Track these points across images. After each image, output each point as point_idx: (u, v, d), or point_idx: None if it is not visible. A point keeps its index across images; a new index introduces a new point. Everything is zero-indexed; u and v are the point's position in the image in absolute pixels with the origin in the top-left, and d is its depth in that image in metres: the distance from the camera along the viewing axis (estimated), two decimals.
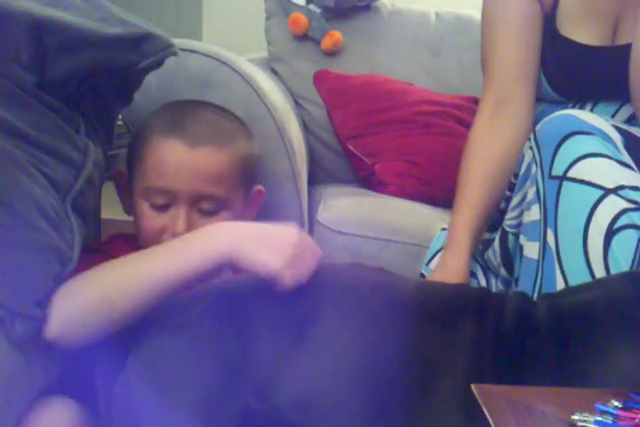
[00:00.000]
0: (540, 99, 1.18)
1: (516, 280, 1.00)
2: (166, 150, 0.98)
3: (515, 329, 0.74)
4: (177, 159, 0.97)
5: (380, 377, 0.74)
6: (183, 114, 1.03)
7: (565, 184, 0.91)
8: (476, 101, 1.49)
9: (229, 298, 0.79)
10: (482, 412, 0.61)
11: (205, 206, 0.98)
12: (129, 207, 1.04)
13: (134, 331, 0.78)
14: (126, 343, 0.78)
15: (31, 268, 0.73)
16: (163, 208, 0.98)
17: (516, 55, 1.12)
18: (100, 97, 0.88)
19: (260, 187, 1.08)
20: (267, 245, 0.79)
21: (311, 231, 1.23)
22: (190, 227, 0.97)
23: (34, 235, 0.73)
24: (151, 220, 0.99)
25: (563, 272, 0.90)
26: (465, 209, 1.06)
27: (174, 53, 0.91)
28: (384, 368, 0.74)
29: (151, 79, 1.15)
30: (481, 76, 1.21)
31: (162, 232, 0.99)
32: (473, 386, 0.65)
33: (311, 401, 0.74)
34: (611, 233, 0.88)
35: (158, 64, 0.90)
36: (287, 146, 1.17)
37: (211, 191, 0.98)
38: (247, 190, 1.05)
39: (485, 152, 1.09)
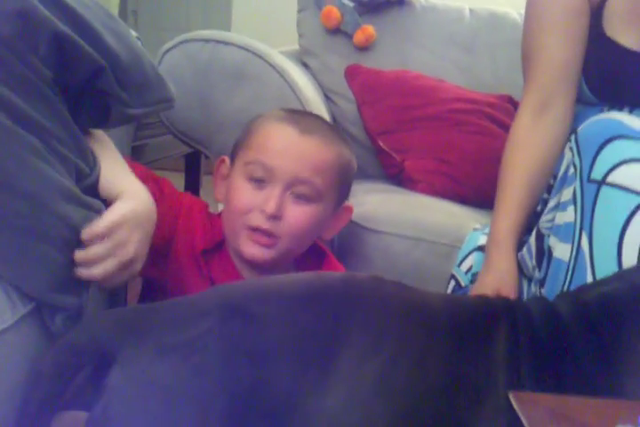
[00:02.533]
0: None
1: (542, 281, 0.99)
2: (277, 131, 0.99)
3: (546, 333, 0.73)
4: (286, 140, 0.98)
5: (421, 410, 0.68)
6: (296, 112, 1.06)
7: (604, 189, 0.89)
8: (510, 100, 1.47)
9: (239, 315, 0.69)
10: (521, 422, 0.60)
11: (301, 190, 0.98)
12: (222, 193, 1.04)
13: (117, 340, 0.67)
14: (104, 356, 0.67)
15: (54, 256, 0.71)
16: (258, 184, 0.98)
17: (562, 53, 1.10)
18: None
19: (349, 204, 1.07)
20: None
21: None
22: (280, 209, 0.97)
23: (57, 221, 0.71)
24: (245, 193, 0.99)
25: (594, 277, 0.88)
26: (509, 209, 1.05)
27: (169, 108, 0.88)
28: (424, 400, 0.68)
29: (185, 70, 1.15)
30: (515, 73, 1.19)
31: (250, 210, 0.98)
32: (511, 394, 0.64)
33: None
34: None
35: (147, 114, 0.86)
36: None
37: (310, 178, 0.98)
38: (340, 199, 1.04)
39: (529, 152, 1.07)
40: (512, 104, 1.45)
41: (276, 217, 0.97)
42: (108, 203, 0.79)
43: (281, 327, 0.69)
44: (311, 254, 1.07)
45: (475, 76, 1.56)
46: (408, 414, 0.68)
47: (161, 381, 0.65)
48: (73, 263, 0.73)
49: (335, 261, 1.07)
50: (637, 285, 0.73)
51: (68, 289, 0.73)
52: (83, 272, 0.74)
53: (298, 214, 0.98)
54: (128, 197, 0.79)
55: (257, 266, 1.01)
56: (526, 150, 1.08)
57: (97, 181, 0.78)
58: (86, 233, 0.74)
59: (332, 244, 1.18)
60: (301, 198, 0.98)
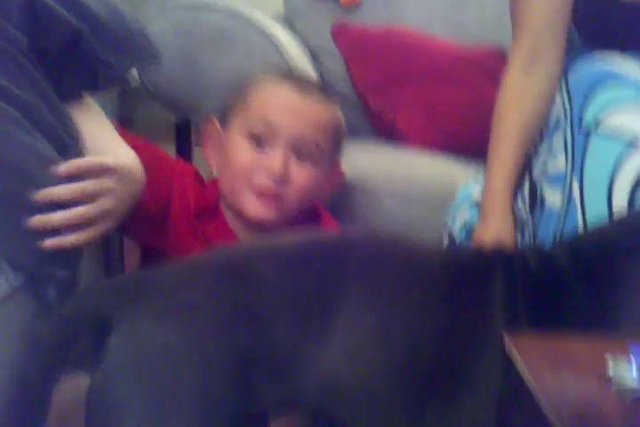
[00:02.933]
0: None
1: (535, 229, 0.99)
2: (278, 89, 0.98)
3: (542, 278, 0.73)
4: (287, 98, 0.97)
5: (420, 357, 0.70)
6: (291, 74, 1.07)
7: (594, 134, 0.89)
8: (499, 53, 1.45)
9: (236, 275, 0.70)
10: (515, 361, 0.61)
11: (306, 151, 0.97)
12: (216, 157, 1.02)
13: (114, 307, 0.68)
14: (104, 324, 0.67)
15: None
16: (259, 142, 0.96)
17: (549, 5, 1.07)
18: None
19: (342, 168, 1.07)
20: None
21: None
22: (286, 168, 0.96)
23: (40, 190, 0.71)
24: (246, 152, 0.97)
25: (585, 224, 0.89)
26: (503, 164, 1.03)
27: (156, 64, 0.87)
28: (422, 348, 0.70)
29: (168, 35, 1.13)
30: (503, 24, 1.17)
31: (254, 169, 0.96)
32: (505, 335, 0.65)
33: (340, 385, 0.69)
34: (637, 186, 0.86)
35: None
36: None
37: (314, 138, 0.97)
38: (333, 162, 1.04)
39: (522, 105, 1.05)
40: (502, 57, 1.43)
41: (283, 179, 0.96)
42: None
43: (278, 286, 0.70)
44: (306, 214, 1.07)
45: (463, 29, 1.53)
46: (407, 363, 0.70)
47: (160, 344, 0.66)
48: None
49: (331, 220, 1.08)
50: (631, 227, 0.74)
51: (59, 259, 0.73)
52: (60, 216, 0.71)
53: (304, 176, 0.97)
54: (117, 157, 0.79)
55: (257, 226, 1.00)
56: (519, 104, 1.06)
57: (80, 151, 0.77)
58: (78, 164, 0.72)
59: (324, 203, 1.19)
60: (306, 159, 0.97)
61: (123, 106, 1.33)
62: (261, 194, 0.97)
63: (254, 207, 0.98)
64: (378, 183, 1.20)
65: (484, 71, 1.41)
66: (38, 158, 0.71)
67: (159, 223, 1.00)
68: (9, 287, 0.70)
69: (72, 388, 0.71)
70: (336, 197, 1.21)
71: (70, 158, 0.74)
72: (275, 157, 0.95)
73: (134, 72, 1.27)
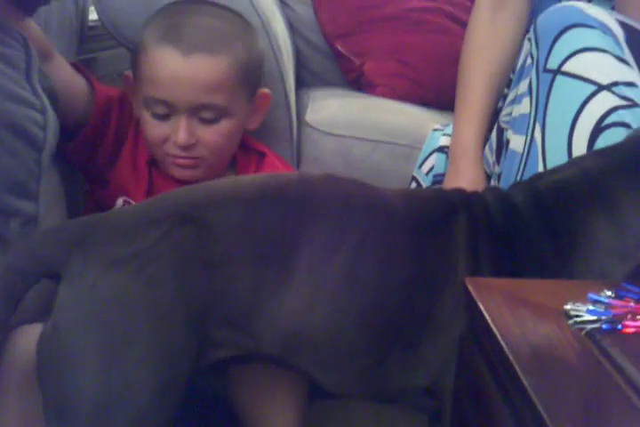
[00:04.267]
0: None
1: (499, 174, 0.99)
2: (160, 59, 0.95)
3: (501, 221, 0.73)
4: (171, 69, 0.95)
5: (385, 302, 0.69)
6: (178, 19, 0.99)
7: (559, 78, 0.88)
8: None
9: (194, 221, 0.67)
10: (476, 304, 0.61)
11: (205, 115, 0.97)
12: (138, 111, 1.02)
13: (66, 254, 0.65)
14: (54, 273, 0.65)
15: (7, 160, 0.69)
16: (164, 117, 0.98)
17: None
18: None
19: (265, 90, 1.05)
20: None
21: (300, 133, 1.20)
22: (192, 136, 0.97)
23: None
24: (154, 128, 0.99)
25: (545, 167, 0.88)
26: (473, 115, 1.02)
27: None
28: (388, 293, 0.69)
29: None
30: None
31: (165, 141, 0.99)
32: (466, 280, 0.65)
33: (304, 334, 0.67)
34: (598, 130, 0.86)
35: None
36: (272, 43, 1.12)
37: (209, 100, 0.96)
38: (250, 95, 1.02)
39: (489, 52, 1.04)
40: (471, 1, 1.40)
41: (190, 145, 0.98)
42: None
43: (236, 232, 0.68)
44: (252, 154, 1.07)
45: None
46: (374, 306, 0.69)
47: (113, 293, 0.64)
48: (23, 165, 0.71)
49: (274, 161, 1.07)
50: (587, 170, 0.74)
51: (20, 192, 0.71)
52: None
53: (211, 135, 0.99)
54: None
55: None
56: (486, 50, 1.05)
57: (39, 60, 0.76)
58: None
59: (291, 149, 1.17)
60: (211, 119, 0.98)
61: (83, 48, 1.28)
62: (176, 158, 0.99)
63: (178, 171, 1.01)
64: (345, 129, 1.18)
65: (453, 16, 1.38)
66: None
67: (109, 164, 1.02)
68: None
69: (31, 338, 0.69)
70: (303, 144, 1.19)
71: (33, 73, 0.73)
72: (177, 127, 0.97)
73: (93, 14, 1.22)
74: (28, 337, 0.71)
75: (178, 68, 0.95)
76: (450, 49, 1.32)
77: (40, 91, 0.74)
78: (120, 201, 1.01)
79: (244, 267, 0.67)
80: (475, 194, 0.78)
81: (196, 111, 0.97)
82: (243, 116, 1.02)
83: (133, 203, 1.00)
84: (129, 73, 1.02)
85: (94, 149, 1.02)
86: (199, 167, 1.00)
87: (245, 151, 1.08)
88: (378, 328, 0.69)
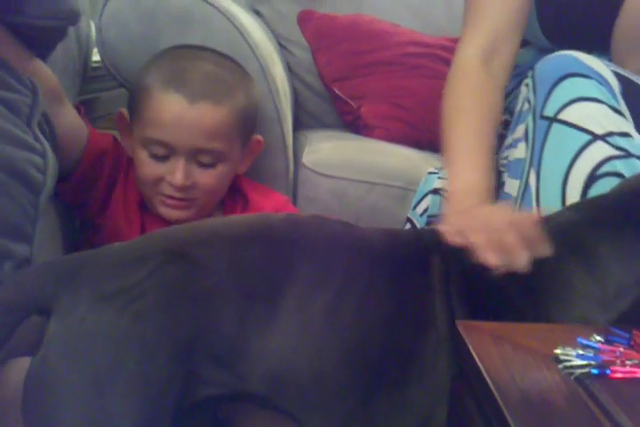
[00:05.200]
0: (528, 42, 1.14)
1: None
2: (166, 104, 0.98)
3: (474, 263, 0.73)
4: (176, 114, 0.98)
5: (369, 343, 0.69)
6: (183, 65, 1.03)
7: (555, 126, 0.90)
8: None
9: (182, 258, 0.67)
10: (466, 348, 0.61)
11: (204, 160, 1.00)
12: (131, 149, 1.04)
13: (56, 290, 0.66)
14: (45, 309, 0.65)
15: (3, 203, 0.70)
16: (162, 158, 1.00)
17: (510, 2, 1.05)
18: None
19: (258, 136, 1.08)
20: None
21: (296, 174, 1.21)
22: (188, 178, 1.00)
23: None
24: (150, 168, 1.01)
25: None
26: (468, 159, 0.94)
27: (74, 24, 0.88)
28: (371, 333, 0.69)
29: (129, 16, 1.11)
30: None
31: (159, 181, 1.01)
32: (457, 323, 0.65)
33: (288, 374, 0.67)
34: (592, 179, 0.87)
35: (52, 30, 0.86)
36: (271, 86, 1.14)
37: (209, 146, 0.99)
38: (245, 141, 1.05)
39: (484, 97, 0.99)
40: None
41: (186, 186, 1.00)
42: None
43: (223, 269, 0.68)
44: (238, 197, 1.09)
45: (429, 20, 1.54)
46: (357, 347, 0.69)
47: (100, 328, 0.64)
48: (20, 207, 0.72)
49: (260, 206, 1.09)
50: (560, 223, 0.75)
51: (15, 235, 0.72)
52: None
53: (207, 178, 1.01)
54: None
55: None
56: (481, 95, 1.03)
57: (43, 105, 0.77)
58: None
59: (287, 190, 1.18)
60: (208, 163, 1.00)
61: (84, 89, 1.31)
62: (168, 199, 1.02)
63: (167, 211, 1.03)
64: (340, 170, 1.20)
65: (447, 61, 1.40)
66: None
67: (102, 201, 1.04)
68: None
69: (19, 371, 0.69)
70: (299, 185, 1.21)
71: (34, 119, 0.75)
72: (175, 168, 0.99)
73: (96, 55, 1.25)
74: (14, 372, 0.72)
75: (183, 113, 0.98)
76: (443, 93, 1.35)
77: (41, 135, 0.76)
78: None
79: (231, 303, 0.67)
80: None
81: (195, 155, 1.00)
82: (237, 160, 1.05)
83: None
84: (124, 111, 1.05)
85: (86, 193, 1.03)
86: (190, 208, 1.03)
87: (233, 194, 1.10)
88: (362, 368, 0.69)
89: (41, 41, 0.85)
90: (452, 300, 0.70)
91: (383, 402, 0.69)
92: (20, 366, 0.70)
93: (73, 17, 0.86)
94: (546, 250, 0.71)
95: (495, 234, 0.74)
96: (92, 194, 1.03)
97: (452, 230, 0.76)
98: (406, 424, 0.70)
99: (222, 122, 0.99)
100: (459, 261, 0.73)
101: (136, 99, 1.02)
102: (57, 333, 0.65)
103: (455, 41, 1.45)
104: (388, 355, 0.69)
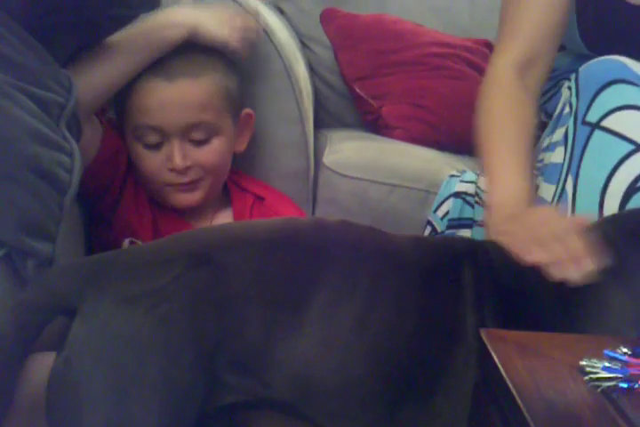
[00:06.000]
0: (566, 48, 1.12)
1: None
2: (146, 89, 1.00)
3: (508, 276, 0.73)
4: (158, 95, 0.99)
5: (396, 352, 0.68)
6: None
7: (597, 133, 0.88)
8: (487, 44, 1.45)
9: (208, 263, 0.67)
10: (490, 357, 0.61)
11: (196, 136, 1.01)
12: (129, 148, 1.05)
13: (81, 291, 0.66)
14: (68, 310, 0.65)
15: (23, 200, 0.70)
16: (156, 147, 1.01)
17: (549, 15, 1.02)
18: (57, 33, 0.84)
19: (248, 110, 1.09)
20: (216, 19, 1.02)
21: (317, 174, 1.21)
22: (186, 158, 1.01)
23: (24, 163, 0.70)
24: (147, 160, 1.02)
25: None
26: (515, 171, 0.90)
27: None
28: (399, 342, 0.68)
29: None
30: (493, 17, 1.15)
31: (160, 171, 1.02)
32: (482, 331, 0.64)
33: (313, 382, 0.67)
34: (632, 190, 0.85)
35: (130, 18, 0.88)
36: (294, 85, 1.14)
37: (198, 119, 1.00)
38: (234, 116, 1.06)
39: (523, 109, 0.97)
40: (489, 48, 1.43)
41: (186, 168, 1.01)
42: None
43: (248, 275, 0.68)
44: (248, 195, 1.10)
45: (452, 20, 1.53)
46: (384, 357, 0.68)
47: (124, 331, 0.64)
48: (45, 207, 0.73)
49: (273, 205, 1.09)
50: (607, 233, 0.73)
51: (39, 234, 0.72)
52: None
53: (205, 155, 1.02)
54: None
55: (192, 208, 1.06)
56: (517, 107, 0.98)
57: (75, 106, 0.78)
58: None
59: (307, 190, 1.18)
60: (202, 140, 1.01)
61: None
62: (174, 186, 1.03)
63: (175, 198, 1.04)
64: (361, 172, 1.19)
65: (470, 62, 1.41)
66: (19, 129, 0.70)
67: (115, 199, 1.05)
68: None
69: (42, 367, 0.69)
70: (319, 186, 1.20)
71: (64, 119, 0.74)
72: (171, 154, 1.00)
73: None
74: (38, 367, 0.71)
75: (165, 94, 0.99)
76: (466, 94, 1.33)
77: (69, 134, 0.76)
78: (126, 242, 1.02)
79: (256, 309, 0.67)
80: (481, 245, 0.78)
81: (187, 133, 1.00)
82: (230, 135, 1.05)
83: (139, 242, 1.02)
84: (112, 117, 1.06)
85: (101, 190, 1.04)
86: (197, 190, 1.04)
87: (241, 191, 1.10)
88: (389, 378, 0.68)
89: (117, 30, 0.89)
90: (484, 311, 0.69)
91: (409, 413, 0.68)
92: (44, 362, 0.70)
93: (157, 4, 0.90)
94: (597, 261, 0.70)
95: (556, 245, 0.72)
96: (107, 191, 1.04)
97: (515, 245, 0.74)
98: None
99: (205, 94, 1.00)
100: (492, 273, 0.72)
101: (120, 92, 1.03)
102: (80, 334, 0.64)
103: (479, 42, 1.46)
104: (415, 365, 0.68)
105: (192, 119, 1.00)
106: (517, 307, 0.71)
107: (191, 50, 1.03)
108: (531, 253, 0.72)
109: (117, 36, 0.95)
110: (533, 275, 0.72)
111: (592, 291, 0.70)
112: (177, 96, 0.99)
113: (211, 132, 1.02)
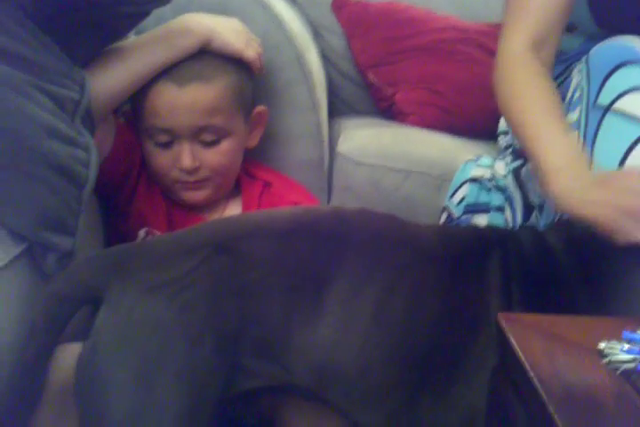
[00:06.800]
0: (574, 27, 1.11)
1: (540, 207, 0.98)
2: (156, 93, 1.01)
3: (536, 262, 0.73)
4: (168, 99, 1.00)
5: (416, 340, 0.68)
6: None
7: (609, 115, 0.86)
8: (500, 29, 1.44)
9: (229, 251, 0.69)
10: (508, 340, 0.61)
11: (206, 138, 1.02)
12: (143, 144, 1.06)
13: (106, 281, 0.68)
14: (95, 297, 0.68)
15: (42, 196, 0.71)
16: (167, 145, 1.02)
17: None
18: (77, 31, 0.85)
19: (260, 107, 1.09)
20: (231, 29, 1.03)
21: (332, 162, 1.21)
22: (195, 159, 1.02)
23: (42, 159, 0.71)
24: (158, 157, 1.03)
25: None
26: (555, 136, 0.84)
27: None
28: (419, 330, 0.69)
29: (167, 10, 1.11)
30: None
31: (170, 169, 1.03)
32: (499, 315, 0.65)
33: (333, 368, 0.68)
34: None
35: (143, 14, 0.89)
36: (306, 74, 1.14)
37: (207, 123, 1.01)
38: (246, 114, 1.06)
39: (544, 83, 0.93)
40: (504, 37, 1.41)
41: (195, 168, 1.02)
42: None
43: (269, 263, 0.69)
44: (257, 182, 1.11)
45: (466, 7, 1.51)
46: (404, 344, 0.69)
47: (148, 317, 0.66)
48: (63, 202, 0.74)
49: (280, 191, 1.10)
50: None
51: (58, 228, 0.73)
52: None
53: (214, 156, 1.03)
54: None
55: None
56: (539, 80, 0.97)
57: (88, 101, 0.79)
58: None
59: (322, 178, 1.18)
60: (211, 142, 1.02)
61: None
62: (184, 184, 1.04)
63: (185, 195, 1.05)
64: (376, 159, 1.19)
65: (484, 46, 1.39)
66: (35, 124, 0.71)
67: (131, 191, 1.06)
68: (8, 256, 0.70)
69: (71, 356, 0.71)
70: (334, 172, 1.21)
71: (79, 114, 0.75)
72: (180, 154, 1.01)
73: None
74: (67, 355, 0.73)
75: (175, 99, 1.00)
76: (480, 78, 1.32)
77: (84, 129, 0.77)
78: (142, 232, 1.04)
79: (276, 296, 0.68)
80: (510, 232, 0.78)
81: (197, 135, 1.01)
82: (242, 135, 1.06)
83: (156, 232, 1.04)
84: (127, 108, 1.07)
85: (119, 184, 1.05)
86: (205, 189, 1.05)
87: (251, 180, 1.11)
88: (408, 366, 0.69)
89: (133, 26, 0.91)
90: (511, 299, 0.70)
91: (429, 399, 0.69)
92: (72, 352, 0.71)
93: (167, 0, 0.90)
94: None
95: None
96: (123, 185, 1.05)
97: (612, 220, 0.68)
98: (451, 422, 0.70)
99: (215, 98, 1.00)
100: (521, 259, 0.72)
101: (134, 95, 1.04)
102: (106, 322, 0.66)
103: (492, 26, 1.44)
104: (436, 353, 0.69)
105: (202, 123, 1.01)
106: (546, 293, 0.71)
107: (203, 53, 1.03)
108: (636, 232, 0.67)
109: (133, 42, 0.96)
110: (564, 261, 0.72)
111: (624, 278, 0.70)
112: (187, 100, 1.00)
113: (221, 134, 1.02)
